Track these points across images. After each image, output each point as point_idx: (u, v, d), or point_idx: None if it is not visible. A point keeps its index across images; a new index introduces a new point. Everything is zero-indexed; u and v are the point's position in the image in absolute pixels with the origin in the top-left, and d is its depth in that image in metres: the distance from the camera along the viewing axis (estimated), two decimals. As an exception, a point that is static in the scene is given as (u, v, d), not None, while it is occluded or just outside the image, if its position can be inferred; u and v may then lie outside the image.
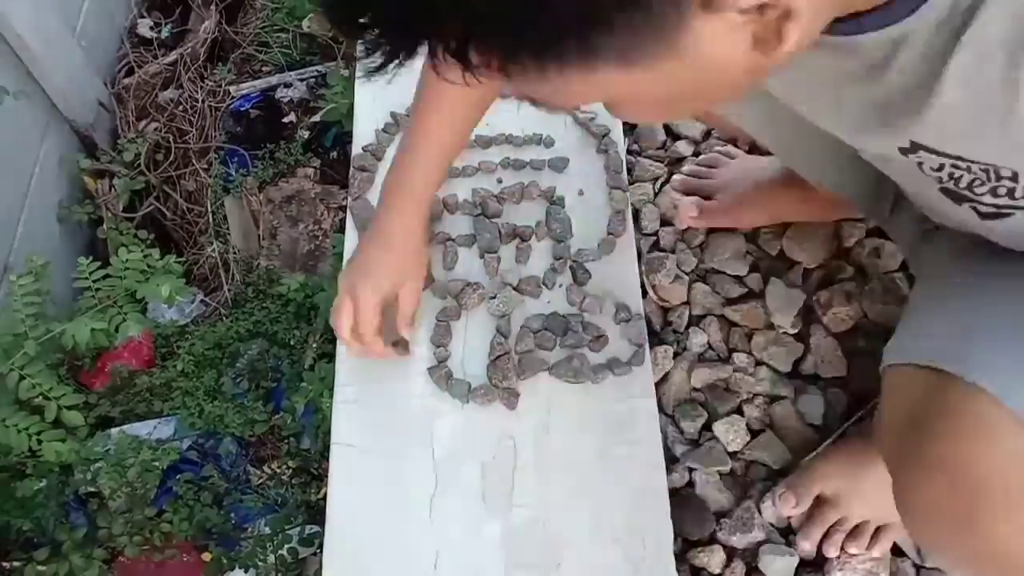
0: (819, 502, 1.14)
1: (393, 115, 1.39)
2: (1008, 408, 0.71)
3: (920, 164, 0.74)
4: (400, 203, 1.18)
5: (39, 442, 1.58)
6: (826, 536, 1.13)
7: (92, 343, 1.63)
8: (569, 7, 0.48)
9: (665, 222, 1.38)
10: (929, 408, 0.78)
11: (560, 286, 1.26)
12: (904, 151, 0.72)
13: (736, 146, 1.42)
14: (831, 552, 1.12)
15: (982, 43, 0.58)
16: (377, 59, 0.53)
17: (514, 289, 1.24)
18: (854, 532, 1.12)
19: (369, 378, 1.21)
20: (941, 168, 0.73)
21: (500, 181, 1.34)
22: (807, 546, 1.13)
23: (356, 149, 1.38)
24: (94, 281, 1.70)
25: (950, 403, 0.75)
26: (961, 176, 0.72)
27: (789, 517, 1.16)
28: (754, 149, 1.42)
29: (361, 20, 0.51)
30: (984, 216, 0.77)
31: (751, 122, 1.07)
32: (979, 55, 0.58)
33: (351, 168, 1.36)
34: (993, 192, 0.72)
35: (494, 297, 1.23)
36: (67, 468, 1.97)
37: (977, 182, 0.72)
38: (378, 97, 1.43)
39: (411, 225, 1.18)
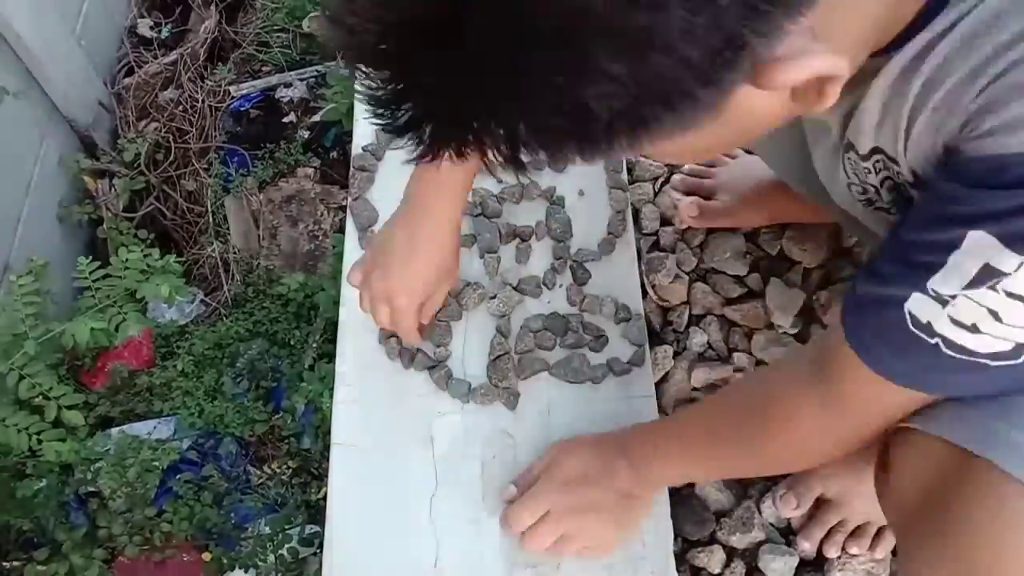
0: (820, 503, 1.14)
1: (393, 115, 1.39)
2: None
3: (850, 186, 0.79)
4: (436, 203, 1.10)
5: (39, 442, 1.58)
6: (827, 537, 1.13)
7: (92, 342, 1.63)
8: (623, 109, 0.48)
9: (665, 221, 1.38)
10: (951, 486, 0.72)
11: (560, 286, 1.26)
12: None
13: None
14: (832, 552, 1.12)
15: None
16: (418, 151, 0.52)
17: (514, 289, 1.24)
18: (855, 533, 1.12)
19: (369, 378, 1.21)
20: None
21: (500, 181, 1.34)
22: (807, 546, 1.13)
23: (356, 149, 1.38)
24: (94, 281, 1.71)
25: (977, 487, 0.70)
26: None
27: (789, 518, 1.16)
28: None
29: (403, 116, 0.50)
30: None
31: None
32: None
33: (351, 168, 1.36)
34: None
35: (494, 297, 1.23)
36: (67, 468, 1.97)
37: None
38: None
39: (446, 229, 1.12)
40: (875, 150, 0.73)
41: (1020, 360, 0.63)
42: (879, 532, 1.11)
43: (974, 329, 0.63)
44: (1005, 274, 0.59)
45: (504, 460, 1.14)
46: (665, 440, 1.03)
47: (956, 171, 0.62)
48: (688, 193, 1.34)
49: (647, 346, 1.22)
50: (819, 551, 1.13)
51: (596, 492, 1.05)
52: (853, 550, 1.11)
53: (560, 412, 1.17)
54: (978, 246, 0.60)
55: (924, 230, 0.65)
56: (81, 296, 1.77)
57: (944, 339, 0.65)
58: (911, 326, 0.66)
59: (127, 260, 1.74)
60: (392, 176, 1.35)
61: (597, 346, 1.21)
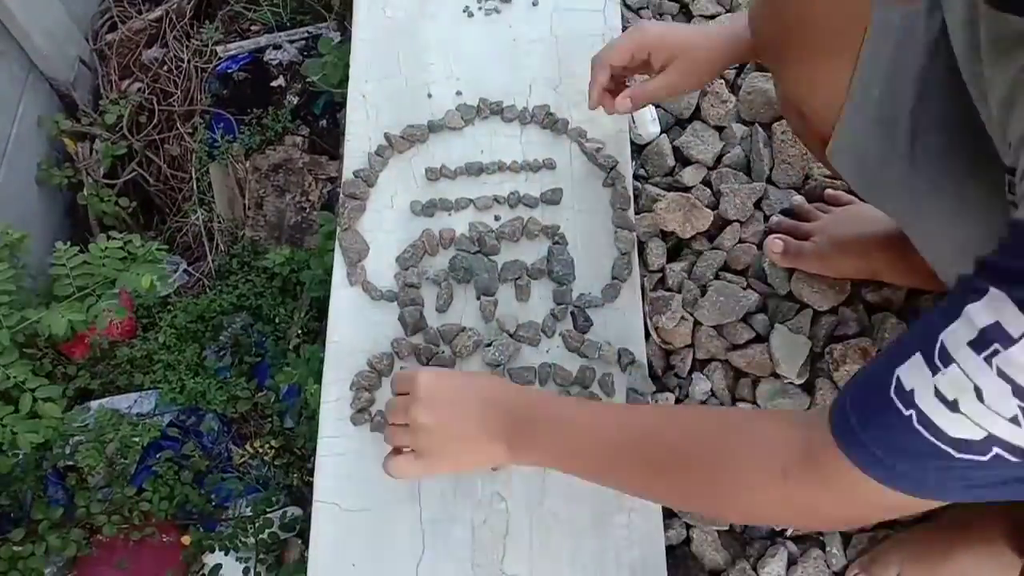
0: None
1: (387, 136, 1.31)
2: None
3: None
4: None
5: (13, 434, 1.56)
6: None
7: (69, 332, 1.61)
8: None
9: (672, 257, 1.31)
10: None
11: (559, 334, 1.20)
12: None
13: None
14: None
15: None
16: None
17: (511, 336, 1.18)
18: None
19: (354, 432, 1.16)
20: None
21: (498, 218, 1.27)
22: None
23: (347, 174, 1.29)
24: (71, 268, 1.67)
25: None
26: None
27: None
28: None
29: None
30: None
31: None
32: None
33: (340, 195, 1.28)
34: None
35: (490, 344, 1.17)
36: (45, 442, 1.94)
37: None
38: (371, 114, 1.34)
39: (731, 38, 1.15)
40: None
41: (987, 457, 0.60)
42: None
43: (953, 406, 0.60)
44: (1012, 339, 0.57)
45: (496, 525, 1.10)
46: (575, 437, 0.93)
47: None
48: (785, 233, 1.27)
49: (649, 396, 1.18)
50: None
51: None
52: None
53: (555, 477, 1.09)
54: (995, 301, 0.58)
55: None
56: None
57: (919, 412, 0.62)
58: (892, 392, 0.64)
59: (106, 248, 1.68)
60: (385, 204, 1.28)
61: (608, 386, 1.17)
